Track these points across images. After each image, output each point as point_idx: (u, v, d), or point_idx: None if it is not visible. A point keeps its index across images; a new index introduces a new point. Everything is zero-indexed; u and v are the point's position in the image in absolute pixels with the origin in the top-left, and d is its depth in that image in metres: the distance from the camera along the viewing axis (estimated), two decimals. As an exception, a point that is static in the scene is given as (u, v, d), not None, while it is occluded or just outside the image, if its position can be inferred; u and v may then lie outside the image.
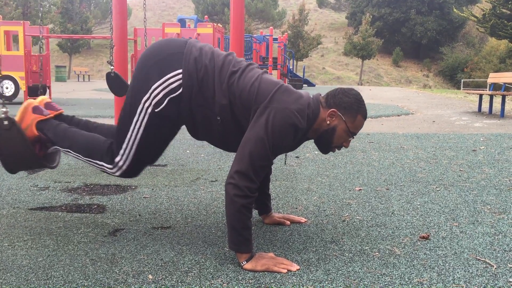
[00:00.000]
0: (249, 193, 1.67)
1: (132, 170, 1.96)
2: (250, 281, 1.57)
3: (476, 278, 1.60)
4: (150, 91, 1.79)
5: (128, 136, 1.87)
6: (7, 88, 9.97)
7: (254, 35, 20.19)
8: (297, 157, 4.03)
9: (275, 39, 19.58)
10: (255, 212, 2.27)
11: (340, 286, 1.53)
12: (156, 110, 1.80)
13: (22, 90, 10.04)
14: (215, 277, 1.60)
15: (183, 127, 1.98)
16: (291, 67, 23.58)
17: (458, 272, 1.65)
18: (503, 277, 1.62)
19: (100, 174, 3.24)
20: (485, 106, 9.45)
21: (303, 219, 2.23)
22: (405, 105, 10.87)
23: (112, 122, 2.97)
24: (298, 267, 1.67)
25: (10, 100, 10.04)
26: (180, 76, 1.78)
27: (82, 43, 40.71)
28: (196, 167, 3.54)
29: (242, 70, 1.81)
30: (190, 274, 1.62)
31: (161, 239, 1.97)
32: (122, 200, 2.58)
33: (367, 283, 1.55)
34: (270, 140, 1.68)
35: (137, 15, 48.71)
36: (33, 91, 10.34)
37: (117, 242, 1.93)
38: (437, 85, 42.32)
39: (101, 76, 38.61)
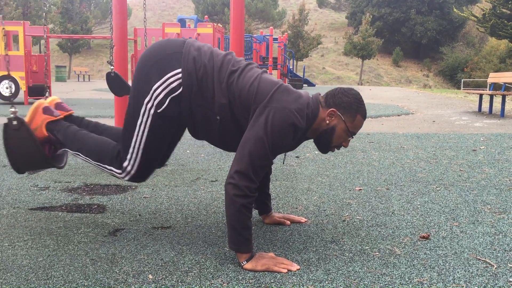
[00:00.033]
0: (249, 193, 1.67)
1: (141, 175, 1.95)
2: (250, 281, 1.57)
3: (476, 277, 1.60)
4: (151, 92, 1.79)
5: (134, 139, 1.87)
6: (7, 88, 9.96)
7: (254, 35, 20.19)
8: (297, 157, 4.03)
9: (275, 39, 19.57)
10: (255, 212, 2.27)
11: (341, 286, 1.53)
12: (158, 111, 1.80)
13: (22, 90, 10.04)
14: (215, 277, 1.60)
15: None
16: (291, 67, 23.58)
17: (458, 272, 1.65)
18: (503, 277, 1.61)
19: (100, 174, 3.24)
20: (485, 106, 9.46)
21: (303, 219, 2.23)
22: (405, 105, 10.87)
23: (112, 122, 2.97)
24: (298, 267, 1.67)
25: (10, 100, 10.04)
26: (180, 75, 1.78)
27: (82, 43, 40.71)
28: (196, 167, 3.54)
29: (241, 70, 1.81)
30: (190, 274, 1.62)
31: (161, 239, 1.97)
32: (122, 200, 2.58)
33: (367, 282, 1.55)
34: (270, 139, 1.68)
35: (137, 15, 48.71)
36: (33, 91, 10.35)
37: (117, 242, 1.93)
38: (437, 85, 42.32)
39: (101, 76, 38.62)
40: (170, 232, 2.06)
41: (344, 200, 2.63)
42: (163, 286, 1.52)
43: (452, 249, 1.87)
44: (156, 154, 1.93)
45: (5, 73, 9.86)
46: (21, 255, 1.77)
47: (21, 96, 10.43)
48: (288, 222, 2.18)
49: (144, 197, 2.66)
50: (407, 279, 1.58)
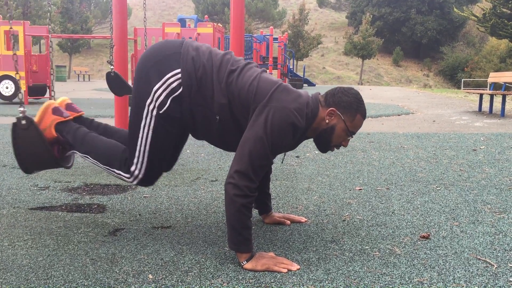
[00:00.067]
0: (249, 192, 1.67)
1: (148, 178, 1.94)
2: (251, 280, 1.57)
3: (477, 277, 1.60)
4: (152, 93, 1.79)
5: (139, 142, 1.86)
6: (7, 88, 9.97)
7: (254, 35, 20.18)
8: (297, 156, 4.03)
9: (275, 39, 19.57)
10: (255, 212, 2.27)
11: (341, 285, 1.53)
12: (160, 112, 1.80)
13: (22, 90, 10.04)
14: (215, 276, 1.60)
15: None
16: (291, 67, 23.58)
17: (458, 272, 1.65)
18: (504, 276, 1.61)
19: (100, 173, 3.24)
20: (486, 106, 9.45)
21: (303, 219, 2.23)
22: (406, 105, 10.87)
23: (112, 122, 2.97)
24: (299, 267, 1.67)
25: (10, 100, 10.04)
26: (179, 75, 1.78)
27: (82, 43, 40.71)
28: (196, 167, 3.54)
29: (240, 69, 1.80)
30: (190, 273, 1.62)
31: (161, 239, 1.97)
32: (122, 200, 2.58)
33: (367, 282, 1.55)
34: (269, 139, 1.68)
35: (137, 15, 48.70)
36: (33, 91, 10.35)
37: (117, 241, 1.93)
38: (438, 85, 42.32)
39: (101, 76, 38.62)
40: (170, 232, 2.06)
41: (344, 199, 2.63)
42: (163, 286, 1.52)
43: (452, 249, 1.87)
44: (162, 156, 1.91)
45: (5, 73, 9.86)
46: (21, 255, 1.77)
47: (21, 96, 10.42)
48: (288, 222, 2.18)
49: (144, 196, 2.66)
50: (407, 279, 1.58)
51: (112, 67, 3.06)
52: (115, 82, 3.07)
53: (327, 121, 1.81)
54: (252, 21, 39.00)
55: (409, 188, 2.91)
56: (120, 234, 2.02)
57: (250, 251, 1.69)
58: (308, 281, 1.56)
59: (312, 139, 1.91)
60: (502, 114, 8.14)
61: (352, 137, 1.87)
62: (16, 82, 9.93)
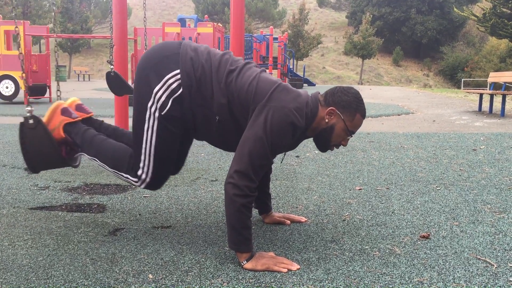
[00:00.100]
0: (249, 192, 1.67)
1: (156, 182, 1.93)
2: (251, 280, 1.57)
3: (477, 277, 1.60)
4: (153, 95, 1.79)
5: (144, 146, 1.86)
6: (7, 88, 9.96)
7: (254, 35, 20.18)
8: (297, 156, 4.03)
9: (275, 39, 19.56)
10: (255, 212, 2.27)
11: (341, 285, 1.53)
12: (162, 113, 1.80)
13: (22, 89, 10.03)
14: (215, 276, 1.60)
15: None
16: (291, 67, 23.57)
17: (458, 272, 1.65)
18: (504, 276, 1.61)
19: (100, 173, 3.24)
20: (486, 106, 9.45)
21: (303, 219, 2.23)
22: (406, 105, 10.87)
23: (112, 121, 2.96)
24: (298, 267, 1.67)
25: (10, 100, 10.03)
26: (179, 76, 1.78)
27: (82, 43, 40.71)
28: (196, 167, 3.54)
29: (240, 69, 1.80)
30: (190, 273, 1.62)
31: (161, 239, 1.97)
32: (122, 200, 2.58)
33: (367, 282, 1.55)
34: (269, 139, 1.68)
35: (137, 15, 48.69)
36: (33, 91, 10.34)
37: (117, 241, 1.93)
38: (438, 85, 42.31)
39: (101, 76, 38.63)
40: (170, 232, 2.06)
41: (344, 199, 2.63)
42: (163, 286, 1.52)
43: (452, 249, 1.87)
44: (168, 158, 1.90)
45: (5, 72, 9.86)
46: (21, 255, 1.77)
47: (21, 95, 10.44)
48: (288, 222, 2.18)
49: (144, 196, 2.66)
50: (407, 279, 1.58)
51: (112, 67, 3.06)
52: (115, 82, 3.06)
53: (326, 120, 1.81)
54: (252, 21, 39.00)
55: (409, 188, 2.91)
56: (120, 234, 2.02)
57: (250, 251, 1.69)
58: (308, 281, 1.56)
59: (311, 139, 1.91)
60: (502, 114, 8.14)
61: (351, 136, 1.87)
62: (17, 82, 9.94)
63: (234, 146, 1.79)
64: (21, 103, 9.95)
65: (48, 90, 10.80)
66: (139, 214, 2.31)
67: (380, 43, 40.20)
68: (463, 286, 1.53)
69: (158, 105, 1.79)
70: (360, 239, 1.97)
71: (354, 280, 1.57)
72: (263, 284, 1.53)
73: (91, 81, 27.62)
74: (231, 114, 1.79)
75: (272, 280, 1.56)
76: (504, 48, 36.08)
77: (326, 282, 1.55)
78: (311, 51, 39.56)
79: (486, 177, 3.21)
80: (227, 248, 1.83)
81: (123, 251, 1.82)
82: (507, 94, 8.67)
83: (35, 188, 2.82)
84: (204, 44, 1.94)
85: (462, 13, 31.84)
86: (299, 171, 3.42)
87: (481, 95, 9.28)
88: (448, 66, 43.10)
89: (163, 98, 1.78)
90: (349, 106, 1.80)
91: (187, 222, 2.21)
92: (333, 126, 1.81)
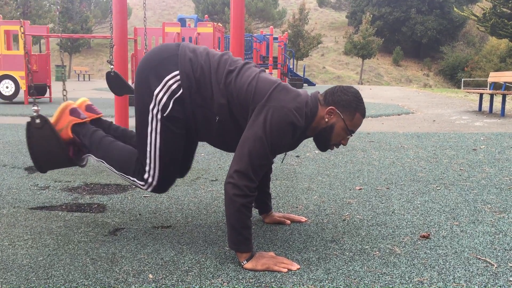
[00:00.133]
0: (249, 192, 1.67)
1: (162, 185, 1.93)
2: (251, 280, 1.57)
3: (477, 277, 1.60)
4: (154, 97, 1.79)
5: (148, 149, 1.85)
6: (7, 87, 9.96)
7: (255, 35, 20.18)
8: (297, 156, 4.03)
9: (275, 39, 19.55)
10: (255, 211, 2.27)
11: (341, 285, 1.53)
12: (165, 115, 1.79)
13: (22, 89, 10.04)
14: (215, 276, 1.60)
15: None
16: (291, 67, 23.57)
17: (458, 271, 1.65)
18: (504, 276, 1.61)
19: (101, 173, 3.24)
20: (486, 105, 9.45)
21: (303, 218, 2.23)
22: (406, 104, 10.87)
23: (112, 121, 2.96)
24: (299, 266, 1.67)
25: (10, 100, 10.03)
26: (178, 77, 1.78)
27: (82, 43, 40.70)
28: (197, 167, 3.54)
29: (239, 69, 1.80)
30: (190, 273, 1.62)
31: (161, 239, 1.97)
32: (123, 200, 2.58)
33: (367, 282, 1.55)
34: (269, 139, 1.68)
35: (137, 15, 48.69)
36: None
37: (118, 241, 1.93)
38: (438, 84, 42.31)
39: (101, 76, 38.61)
40: (170, 232, 2.06)
41: (344, 199, 2.63)
42: (163, 286, 1.52)
43: (452, 249, 1.87)
44: (174, 161, 1.90)
45: (5, 72, 9.86)
46: (21, 255, 1.77)
47: (21, 95, 10.43)
48: (288, 222, 2.18)
49: (144, 196, 2.66)
50: (407, 279, 1.58)
51: (112, 66, 3.06)
52: (115, 82, 3.06)
53: (326, 119, 1.81)
54: (252, 20, 39.01)
55: (409, 187, 2.91)
56: (120, 234, 2.02)
57: (250, 251, 1.69)
58: (308, 281, 1.56)
59: (312, 138, 1.91)
60: (502, 113, 8.14)
61: (351, 135, 1.87)
62: (17, 82, 9.94)
63: (234, 147, 1.79)
64: (21, 103, 9.95)
65: (48, 90, 10.79)
66: (139, 214, 2.31)
67: (380, 43, 40.20)
68: (463, 286, 1.53)
69: (160, 107, 1.79)
70: (360, 239, 1.97)
71: (354, 280, 1.57)
72: (263, 284, 1.53)
73: (91, 81, 27.63)
74: (231, 114, 1.79)
75: (272, 280, 1.56)
76: (504, 48, 36.08)
77: (326, 282, 1.55)
78: (311, 51, 39.56)
79: (486, 177, 3.21)
80: (227, 248, 1.83)
81: (123, 251, 1.82)
82: (507, 94, 8.67)
83: (35, 188, 2.82)
84: (203, 46, 1.94)
85: (462, 13, 31.83)
86: (299, 171, 3.42)
87: (481, 95, 9.28)
88: (448, 66, 43.11)
89: (164, 100, 1.78)
90: (348, 105, 1.80)
91: (187, 222, 2.21)
92: (333, 125, 1.81)
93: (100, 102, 10.54)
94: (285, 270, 1.63)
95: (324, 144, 1.87)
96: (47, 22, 36.03)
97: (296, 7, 43.64)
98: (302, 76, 23.10)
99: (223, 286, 1.52)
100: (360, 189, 2.88)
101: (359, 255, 1.79)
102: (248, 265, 1.66)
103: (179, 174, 2.05)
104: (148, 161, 1.87)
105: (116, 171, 1.98)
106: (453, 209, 2.44)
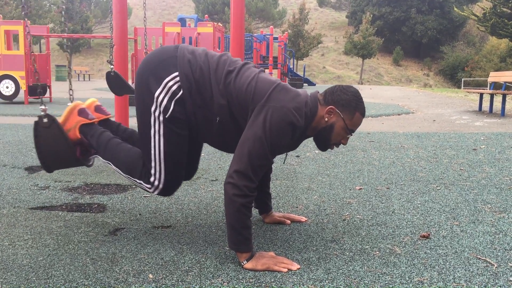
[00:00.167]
0: (248, 192, 1.67)
1: (168, 188, 1.92)
2: (251, 280, 1.57)
3: (477, 277, 1.60)
4: (155, 99, 1.79)
5: (153, 151, 1.85)
6: (7, 87, 9.96)
7: (255, 34, 20.17)
8: (297, 156, 4.03)
9: (276, 38, 19.55)
10: (255, 211, 2.27)
11: (341, 285, 1.53)
12: (166, 116, 1.79)
13: (22, 89, 10.04)
14: (215, 276, 1.60)
15: None
16: (291, 66, 23.57)
17: (458, 271, 1.65)
18: (504, 276, 1.61)
19: (101, 173, 3.24)
20: (486, 105, 9.45)
21: (303, 218, 2.23)
22: (406, 104, 10.87)
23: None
24: (299, 266, 1.67)
25: (10, 100, 10.04)
26: (178, 78, 1.78)
27: (82, 43, 40.71)
28: (197, 166, 3.54)
29: (238, 70, 1.80)
30: (190, 273, 1.62)
31: (161, 238, 1.97)
32: (123, 200, 2.58)
33: (367, 282, 1.55)
34: (268, 139, 1.68)
35: (137, 15, 48.69)
36: (33, 91, 10.34)
37: (118, 241, 1.93)
38: (438, 84, 42.31)
39: (101, 76, 38.61)
40: (171, 232, 2.06)
41: (344, 199, 2.63)
42: (163, 286, 1.52)
43: (453, 248, 1.87)
44: (179, 162, 1.89)
45: (5, 72, 9.87)
46: (21, 255, 1.77)
47: (21, 95, 10.44)
48: (288, 222, 2.18)
49: (144, 196, 2.66)
50: (407, 278, 1.58)
51: (112, 66, 3.06)
52: (115, 82, 3.07)
53: (326, 119, 1.81)
54: (252, 20, 39.02)
55: (409, 187, 2.91)
56: (120, 234, 2.02)
57: (250, 251, 1.69)
58: (308, 281, 1.56)
59: (312, 138, 1.91)
60: (502, 113, 8.14)
61: (351, 135, 1.87)
62: (17, 82, 9.94)
63: (234, 147, 1.79)
64: (21, 103, 9.95)
65: (48, 90, 10.79)
66: (139, 214, 2.32)
67: (380, 43, 40.18)
68: (463, 285, 1.53)
69: (161, 109, 1.79)
70: (360, 239, 1.97)
71: (354, 280, 1.57)
72: (263, 284, 1.54)
73: (91, 81, 27.63)
74: (231, 114, 1.79)
75: (272, 280, 1.56)
76: (504, 47, 36.07)
77: (326, 281, 1.55)
78: (311, 50, 39.54)
79: (486, 177, 3.21)
80: (227, 248, 1.83)
81: (123, 251, 1.82)
82: (507, 94, 8.67)
83: (35, 188, 2.82)
84: (202, 47, 1.94)
85: (462, 13, 31.82)
86: (299, 170, 3.42)
87: (481, 94, 9.27)
88: (448, 66, 43.09)
89: (165, 101, 1.78)
90: (348, 104, 1.80)
91: (187, 222, 2.21)
92: (333, 125, 1.81)
93: (100, 102, 10.54)
94: (285, 270, 1.63)
95: (324, 143, 1.87)
96: (47, 22, 36.04)
97: (296, 7, 43.64)
98: (302, 76, 23.10)
99: (223, 286, 1.52)
100: (360, 189, 2.88)
101: (359, 255, 1.79)
102: (248, 265, 1.66)
103: (186, 176, 2.04)
104: (153, 164, 1.87)
105: (122, 173, 1.97)
106: (453, 209, 2.44)
